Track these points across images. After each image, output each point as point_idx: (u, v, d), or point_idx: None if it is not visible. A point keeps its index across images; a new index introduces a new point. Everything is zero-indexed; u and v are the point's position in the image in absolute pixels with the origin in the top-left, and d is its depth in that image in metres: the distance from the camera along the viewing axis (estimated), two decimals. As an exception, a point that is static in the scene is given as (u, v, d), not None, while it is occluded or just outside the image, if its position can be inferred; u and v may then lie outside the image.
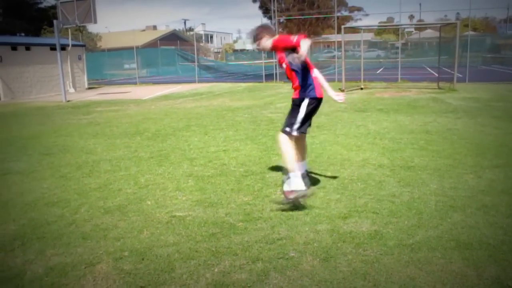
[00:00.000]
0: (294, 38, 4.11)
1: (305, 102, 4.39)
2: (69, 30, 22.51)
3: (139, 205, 4.55)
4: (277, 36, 4.45)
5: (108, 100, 17.18)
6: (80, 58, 23.86)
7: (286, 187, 4.32)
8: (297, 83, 4.41)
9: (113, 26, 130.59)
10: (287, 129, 4.38)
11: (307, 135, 4.66)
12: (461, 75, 19.04)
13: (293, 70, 4.37)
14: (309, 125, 4.54)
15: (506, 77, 21.98)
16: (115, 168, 6.11)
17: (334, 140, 7.43)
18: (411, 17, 61.21)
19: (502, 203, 4.23)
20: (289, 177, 4.28)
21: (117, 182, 5.43)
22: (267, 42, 4.44)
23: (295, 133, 4.38)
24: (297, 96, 4.45)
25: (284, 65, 4.44)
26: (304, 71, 4.37)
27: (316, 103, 4.44)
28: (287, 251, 3.36)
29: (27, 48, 20.63)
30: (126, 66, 35.73)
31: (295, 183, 4.24)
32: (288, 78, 4.55)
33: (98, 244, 3.63)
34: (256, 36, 4.49)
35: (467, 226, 3.72)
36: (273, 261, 3.21)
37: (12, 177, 5.84)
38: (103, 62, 35.44)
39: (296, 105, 4.45)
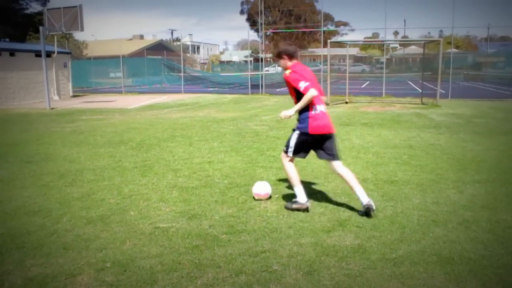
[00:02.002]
0: (303, 85, 4.33)
1: (296, 132, 4.54)
2: (55, 37, 22.36)
3: (122, 215, 4.51)
4: (292, 72, 4.48)
5: (93, 108, 17.05)
6: (65, 66, 23.68)
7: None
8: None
9: (99, 34, 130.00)
10: (285, 148, 4.66)
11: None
12: (443, 91, 19.34)
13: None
14: (326, 155, 4.58)
15: (488, 94, 22.42)
16: (99, 178, 6.04)
17: (319, 153, 7.45)
18: (396, 33, 62.27)
19: (483, 218, 4.28)
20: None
21: (100, 192, 5.37)
22: (286, 69, 4.56)
23: (290, 155, 4.63)
24: (296, 124, 4.59)
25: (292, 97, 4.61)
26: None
27: (308, 137, 4.48)
28: (270, 264, 3.35)
29: (11, 54, 20.42)
30: (112, 74, 35.55)
31: (297, 195, 4.59)
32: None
33: (80, 254, 3.57)
34: (278, 54, 4.62)
35: (448, 240, 3.76)
36: (256, 274, 3.20)
37: (-7, 185, 5.74)
38: (88, 70, 35.20)
39: (292, 129, 4.62)
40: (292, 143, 4.55)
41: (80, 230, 4.10)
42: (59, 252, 3.63)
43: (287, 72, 4.52)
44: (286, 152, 4.63)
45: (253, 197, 4.96)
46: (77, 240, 3.88)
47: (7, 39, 31.24)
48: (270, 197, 4.97)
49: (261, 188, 4.98)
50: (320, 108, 4.46)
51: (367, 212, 4.32)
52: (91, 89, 31.13)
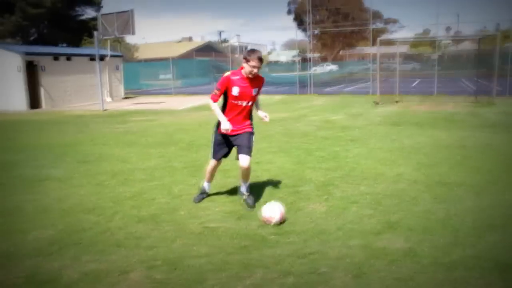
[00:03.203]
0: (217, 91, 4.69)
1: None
2: (108, 41, 23.14)
3: (172, 215, 4.61)
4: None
5: (144, 110, 17.52)
6: (117, 68, 24.45)
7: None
8: None
9: (150, 37, 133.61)
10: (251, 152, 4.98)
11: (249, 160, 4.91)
12: (500, 88, 18.53)
13: None
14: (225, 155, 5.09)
15: (549, 91, 21.23)
16: (149, 178, 6.20)
17: (368, 154, 7.34)
18: (448, 29, 60.06)
19: (544, 223, 4.07)
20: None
21: (151, 191, 5.51)
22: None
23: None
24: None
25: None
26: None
27: (220, 136, 4.91)
28: (318, 266, 3.33)
29: (68, 58, 21.31)
30: (162, 76, 36.38)
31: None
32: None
33: (132, 252, 3.68)
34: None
35: (507, 246, 3.60)
36: (304, 275, 3.19)
37: (51, 183, 6.01)
38: (139, 72, 36.17)
39: (252, 133, 5.04)
40: (211, 143, 5.08)
41: (132, 228, 4.23)
42: (112, 249, 3.76)
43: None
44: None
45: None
46: (129, 238, 4.00)
47: (64, 44, 32.64)
48: (281, 222, 4.22)
49: (268, 211, 4.26)
50: None
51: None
52: (142, 91, 31.98)
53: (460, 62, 45.87)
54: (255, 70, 4.55)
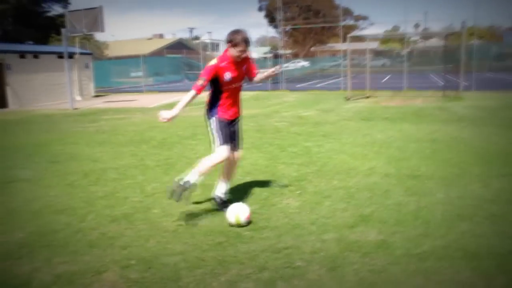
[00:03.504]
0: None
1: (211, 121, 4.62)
2: (77, 39, 22.70)
3: (146, 213, 4.56)
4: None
5: (115, 108, 17.27)
6: (87, 66, 24.03)
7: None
8: None
9: (119, 34, 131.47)
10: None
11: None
12: (467, 83, 18.99)
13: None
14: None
15: (513, 85, 21.91)
16: (122, 176, 6.13)
17: (340, 149, 7.43)
18: (417, 25, 61.25)
19: (510, 212, 4.20)
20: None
21: (124, 190, 5.44)
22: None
23: None
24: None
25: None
26: None
27: (223, 120, 4.53)
28: (293, 260, 3.35)
29: (35, 56, 20.81)
30: (133, 74, 35.91)
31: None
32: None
33: (105, 252, 3.63)
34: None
35: (474, 235, 3.70)
36: (279, 270, 3.20)
37: (19, 185, 5.87)
38: (109, 70, 35.65)
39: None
40: None
41: (104, 228, 4.17)
42: (85, 249, 3.70)
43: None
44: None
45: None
46: (102, 238, 3.95)
47: (31, 42, 31.82)
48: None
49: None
50: None
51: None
52: (112, 89, 31.53)
53: (428, 58, 46.82)
54: (244, 54, 4.32)
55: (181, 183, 4.19)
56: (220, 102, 4.45)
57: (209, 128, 4.52)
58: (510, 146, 7.22)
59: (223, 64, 4.29)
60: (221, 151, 4.34)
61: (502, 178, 5.39)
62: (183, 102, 4.24)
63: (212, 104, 4.52)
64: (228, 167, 4.65)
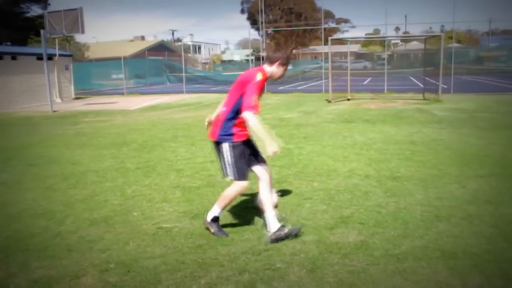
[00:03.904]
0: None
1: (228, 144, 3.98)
2: (56, 40, 22.40)
3: (126, 216, 4.52)
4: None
5: (95, 110, 17.08)
6: (67, 68, 23.72)
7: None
8: None
9: (101, 36, 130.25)
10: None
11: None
12: (446, 86, 19.27)
13: None
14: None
15: (490, 88, 22.36)
16: (102, 179, 6.06)
17: (321, 151, 7.47)
18: (397, 29, 62.03)
19: (486, 213, 4.28)
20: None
21: (103, 193, 5.39)
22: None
23: None
24: None
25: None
26: None
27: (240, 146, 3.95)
28: (273, 262, 3.36)
29: (13, 58, 20.45)
30: (114, 76, 35.58)
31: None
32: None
33: (84, 256, 3.59)
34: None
35: (452, 235, 3.76)
36: (259, 272, 3.21)
37: (-3, 189, 5.76)
38: (90, 72, 35.25)
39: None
40: None
41: (83, 232, 4.12)
42: (63, 253, 3.65)
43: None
44: None
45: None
46: (81, 241, 3.90)
47: (9, 43, 31.31)
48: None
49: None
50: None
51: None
52: (93, 91, 31.17)
53: (408, 60, 47.42)
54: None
55: (208, 220, 3.93)
56: (238, 121, 3.86)
57: (223, 155, 3.91)
58: (487, 148, 7.35)
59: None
60: (241, 186, 3.91)
61: (478, 179, 5.48)
62: (262, 131, 3.67)
63: (226, 123, 3.89)
64: (268, 183, 4.05)
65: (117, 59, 32.09)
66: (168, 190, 5.42)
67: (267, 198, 3.90)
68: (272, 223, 3.79)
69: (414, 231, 3.87)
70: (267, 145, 3.63)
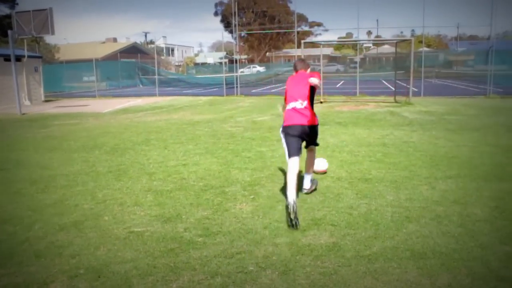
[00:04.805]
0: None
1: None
2: (25, 41, 21.93)
3: (96, 221, 4.45)
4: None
5: (66, 113, 16.77)
6: (36, 70, 23.24)
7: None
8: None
9: (72, 37, 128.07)
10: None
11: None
12: (416, 89, 19.66)
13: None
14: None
15: (459, 91, 22.92)
16: (72, 183, 5.95)
17: (294, 153, 7.49)
18: (369, 33, 63.03)
19: (454, 213, 4.37)
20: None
21: (74, 197, 5.29)
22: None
23: (287, 158, 4.98)
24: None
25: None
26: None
27: (286, 132, 5.08)
28: (246, 265, 3.35)
29: (-21, 59, 19.93)
30: (85, 78, 35.02)
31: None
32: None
33: (53, 262, 3.51)
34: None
35: (421, 236, 3.83)
36: (232, 275, 3.20)
37: (-39, 194, 5.59)
38: (61, 74, 34.61)
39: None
40: (284, 146, 5.02)
41: (52, 237, 4.03)
42: (31, 260, 3.57)
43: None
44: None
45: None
46: (50, 247, 3.82)
47: (-25, 44, 30.51)
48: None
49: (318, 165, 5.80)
50: (289, 106, 4.99)
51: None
52: (64, 94, 30.62)
53: (380, 64, 48.20)
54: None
55: (292, 209, 4.19)
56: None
57: (316, 133, 5.19)
58: (456, 149, 7.52)
59: None
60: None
61: (448, 180, 5.60)
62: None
63: (313, 112, 4.99)
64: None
65: (89, 61, 31.57)
66: (140, 193, 5.36)
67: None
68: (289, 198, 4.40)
69: (384, 232, 3.93)
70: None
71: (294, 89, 5.03)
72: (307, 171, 5.29)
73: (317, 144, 5.29)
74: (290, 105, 4.96)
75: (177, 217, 4.47)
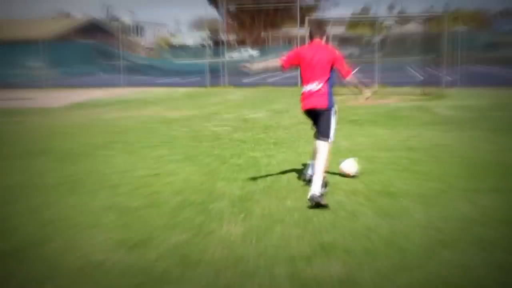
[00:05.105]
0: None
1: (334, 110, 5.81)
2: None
3: (42, 247, 4.41)
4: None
5: (2, 109, 16.69)
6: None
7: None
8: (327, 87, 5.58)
9: (9, 11, 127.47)
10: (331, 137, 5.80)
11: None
12: (451, 78, 19.76)
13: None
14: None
15: (506, 80, 22.95)
16: (10, 199, 5.91)
17: (296, 160, 7.51)
18: (391, 7, 63.42)
19: (501, 236, 4.37)
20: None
21: (13, 218, 5.25)
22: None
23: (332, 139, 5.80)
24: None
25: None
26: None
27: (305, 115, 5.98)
28: (235, 304, 3.33)
29: None
30: (29, 63, 34.89)
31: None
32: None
33: (-17, 303, 3.47)
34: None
35: (460, 265, 3.82)
36: (217, 317, 3.17)
37: None
38: (-4, 59, 34.44)
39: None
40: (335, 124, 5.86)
41: (-16, 269, 3.99)
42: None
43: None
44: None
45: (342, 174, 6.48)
46: (-19, 282, 3.77)
47: None
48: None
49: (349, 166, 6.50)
50: (306, 88, 5.56)
51: (310, 204, 5.19)
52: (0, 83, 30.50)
53: (405, 47, 48.34)
54: None
55: (319, 193, 5.13)
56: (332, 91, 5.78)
57: (330, 120, 5.84)
58: (502, 155, 7.54)
59: None
60: (331, 146, 5.90)
61: (492, 193, 5.60)
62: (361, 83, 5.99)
63: (330, 94, 5.76)
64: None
65: (33, 42, 31.47)
66: (99, 212, 5.33)
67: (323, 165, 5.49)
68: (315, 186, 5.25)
69: (412, 261, 3.91)
70: (365, 90, 6.06)
71: (312, 68, 5.42)
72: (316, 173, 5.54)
73: (326, 136, 5.64)
74: (307, 88, 5.49)
75: (147, 242, 4.44)
